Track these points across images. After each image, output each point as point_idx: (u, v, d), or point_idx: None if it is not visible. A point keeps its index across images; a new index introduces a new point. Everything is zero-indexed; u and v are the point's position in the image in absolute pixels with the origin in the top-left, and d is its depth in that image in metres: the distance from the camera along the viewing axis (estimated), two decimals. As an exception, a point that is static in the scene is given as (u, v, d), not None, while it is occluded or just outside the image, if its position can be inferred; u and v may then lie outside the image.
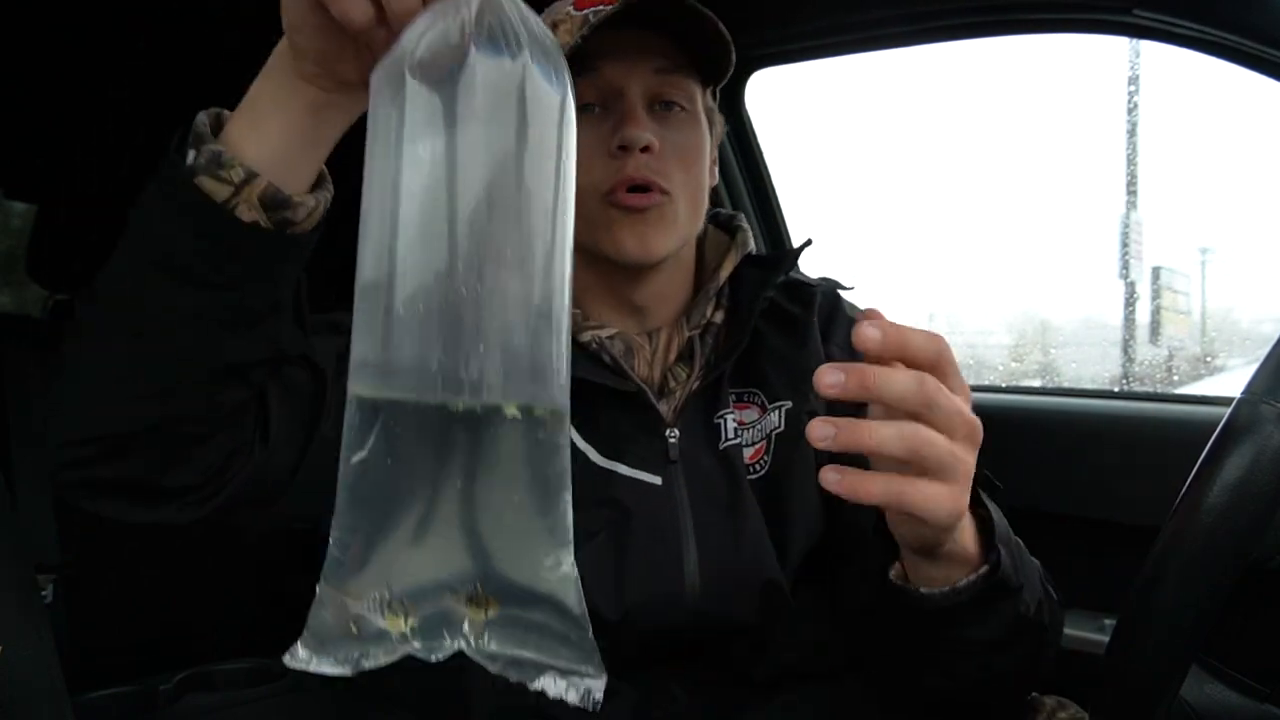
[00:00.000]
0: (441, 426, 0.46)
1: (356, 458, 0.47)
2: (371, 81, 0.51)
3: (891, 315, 0.56)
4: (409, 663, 0.51)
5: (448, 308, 0.47)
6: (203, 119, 0.67)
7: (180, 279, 0.64)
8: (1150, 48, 1.84)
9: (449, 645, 0.48)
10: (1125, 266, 3.09)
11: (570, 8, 0.87)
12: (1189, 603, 0.67)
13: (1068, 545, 0.94)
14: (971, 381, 2.16)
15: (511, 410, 0.46)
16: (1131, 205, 3.03)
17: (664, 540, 0.85)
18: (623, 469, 0.87)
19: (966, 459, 0.59)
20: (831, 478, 0.54)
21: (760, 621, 0.86)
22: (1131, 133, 2.93)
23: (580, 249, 0.87)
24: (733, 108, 1.70)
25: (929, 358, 0.56)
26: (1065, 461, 1.35)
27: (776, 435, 0.92)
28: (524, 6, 0.50)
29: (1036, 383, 3.32)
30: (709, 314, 0.94)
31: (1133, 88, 2.79)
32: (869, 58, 1.56)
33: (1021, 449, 1.37)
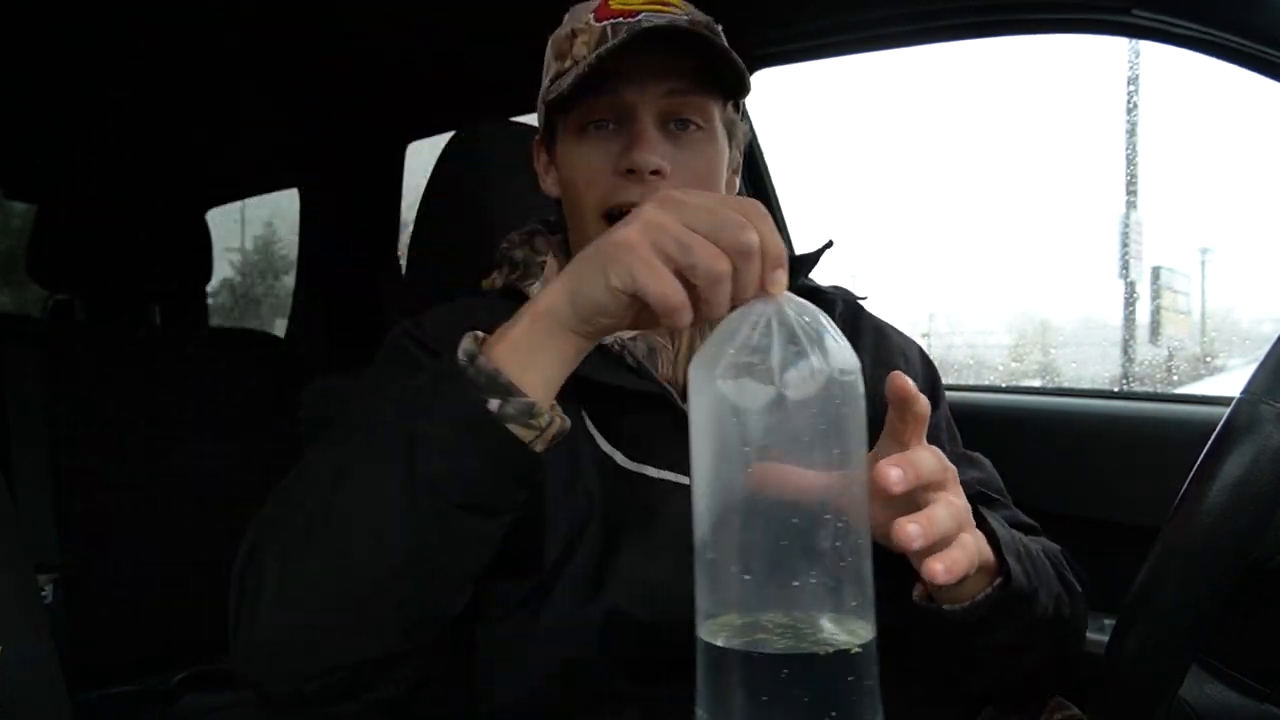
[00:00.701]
0: (778, 669, 0.54)
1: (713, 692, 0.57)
2: (692, 374, 0.58)
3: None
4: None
5: (780, 570, 0.56)
6: (469, 350, 0.67)
7: (473, 509, 0.67)
8: (1150, 48, 1.84)
9: None
10: (1125, 266, 3.09)
11: (590, 17, 0.87)
12: (1189, 603, 0.67)
13: (1068, 545, 0.93)
14: (971, 381, 2.16)
15: (835, 650, 0.55)
16: (1131, 205, 3.02)
17: (690, 545, 0.84)
18: (651, 471, 0.86)
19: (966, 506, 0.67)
20: (938, 568, 0.61)
21: None
22: (1131, 133, 2.93)
23: None
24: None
25: (921, 423, 0.66)
26: (1065, 461, 1.35)
27: None
28: (806, 305, 0.59)
29: (1036, 383, 3.31)
30: None
31: (1133, 88, 2.79)
32: (870, 58, 1.56)
33: (1021, 449, 1.37)
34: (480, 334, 0.69)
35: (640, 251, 0.60)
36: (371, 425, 0.70)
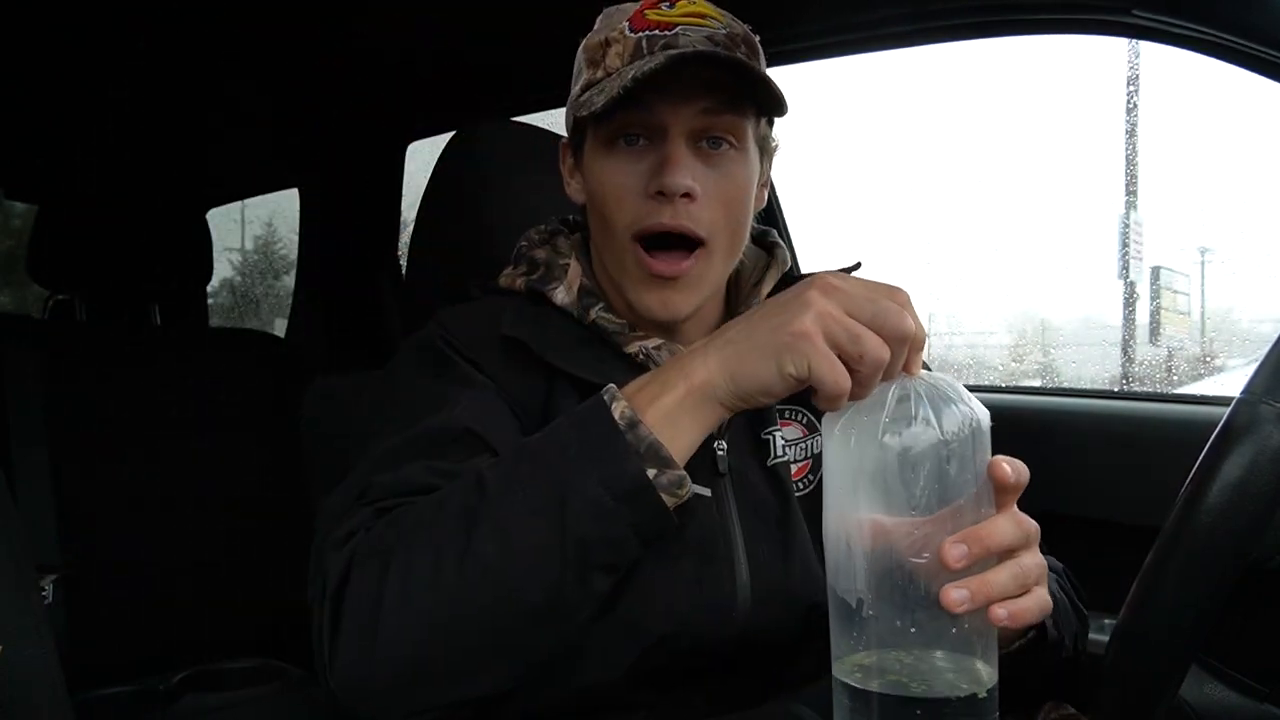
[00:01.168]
0: (910, 711, 0.59)
1: None
2: (829, 427, 0.64)
3: None
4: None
5: (908, 614, 0.61)
6: (628, 416, 0.69)
7: (610, 569, 0.70)
8: (1150, 48, 1.84)
9: None
10: (1125, 266, 3.09)
11: (626, 25, 0.85)
12: (1189, 603, 0.67)
13: (1068, 545, 0.93)
14: (971, 381, 2.17)
15: (964, 695, 0.60)
16: (1131, 205, 3.02)
17: (715, 554, 0.83)
18: None
19: (1043, 564, 0.68)
20: (1001, 614, 0.63)
21: (802, 641, 0.85)
22: (1131, 133, 2.93)
23: (611, 275, 0.89)
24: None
25: (1018, 492, 0.66)
26: (1065, 461, 1.35)
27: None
28: (935, 375, 0.65)
29: (1036, 383, 3.31)
30: None
31: (1133, 88, 2.79)
32: (870, 58, 1.56)
33: (1021, 449, 1.36)
34: (617, 393, 0.70)
35: (816, 342, 0.64)
36: (512, 471, 0.70)
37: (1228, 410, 0.69)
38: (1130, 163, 3.06)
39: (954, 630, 0.62)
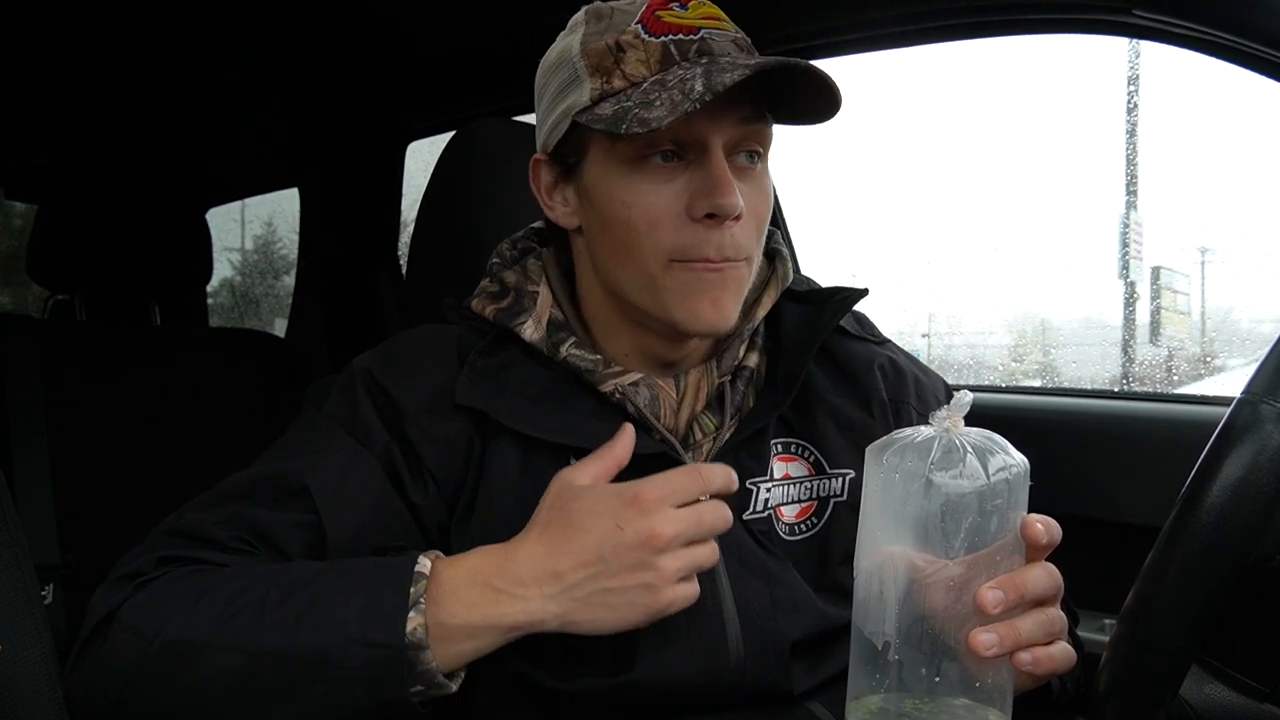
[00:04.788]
0: None
1: None
2: (873, 468, 0.66)
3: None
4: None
5: (934, 661, 0.63)
6: (419, 640, 0.69)
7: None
8: (1150, 48, 1.84)
9: None
10: (1125, 266, 3.09)
11: (640, 30, 0.78)
12: (1189, 603, 0.67)
13: (1068, 545, 0.93)
14: (971, 382, 2.16)
15: None
16: (1131, 205, 3.02)
17: (703, 606, 0.77)
18: None
19: (1064, 619, 0.70)
20: (1026, 659, 0.65)
21: (800, 687, 0.82)
22: (1131, 133, 2.93)
23: (627, 308, 0.83)
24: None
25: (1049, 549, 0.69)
26: (1065, 461, 1.35)
27: (836, 502, 0.87)
28: (980, 431, 0.67)
29: (1036, 383, 3.31)
30: (741, 355, 0.87)
31: (1133, 88, 2.79)
32: (869, 58, 1.56)
33: (1021, 449, 1.36)
34: (423, 592, 0.69)
35: (670, 591, 0.71)
36: (291, 605, 0.70)
37: (1228, 410, 0.69)
38: (1130, 163, 3.05)
39: (976, 681, 0.63)
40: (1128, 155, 3.02)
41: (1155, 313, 3.12)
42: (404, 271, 2.11)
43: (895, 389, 0.92)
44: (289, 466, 0.80)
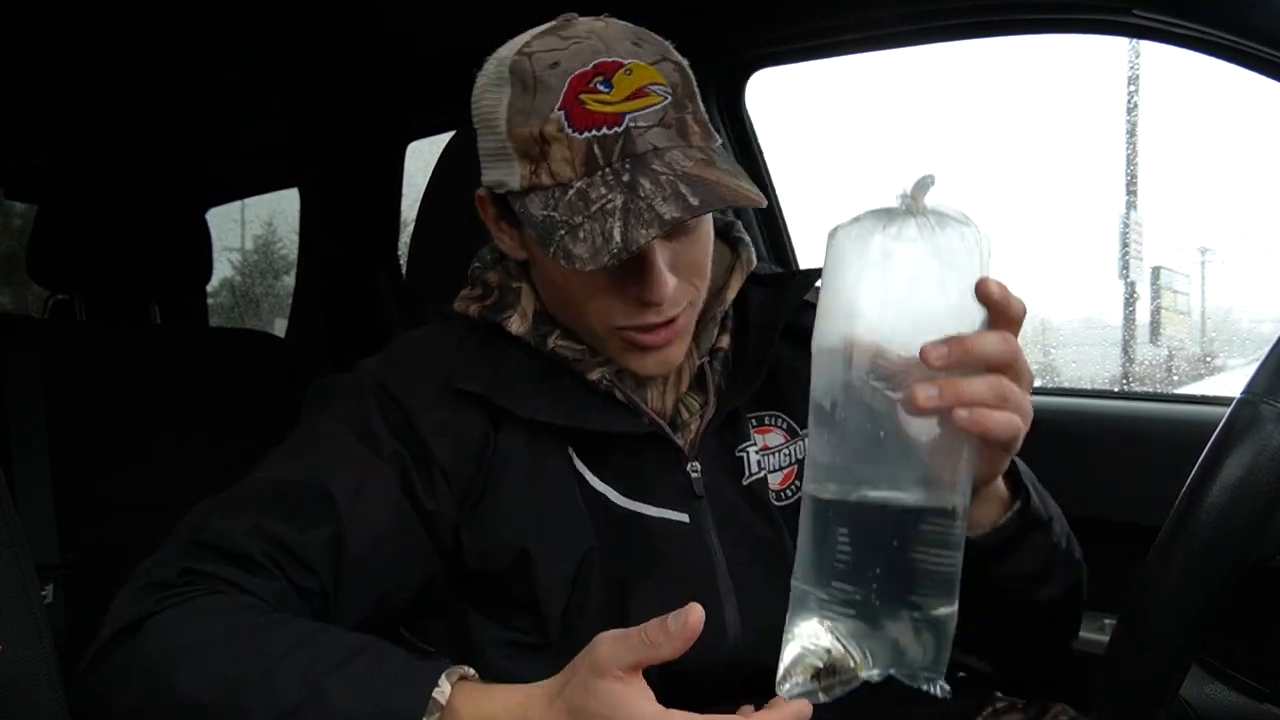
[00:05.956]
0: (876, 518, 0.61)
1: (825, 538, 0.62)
2: (841, 239, 0.63)
3: None
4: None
5: (884, 425, 0.61)
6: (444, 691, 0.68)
7: None
8: (1150, 48, 1.84)
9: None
10: (1125, 266, 3.09)
11: (562, 117, 0.74)
12: (1189, 603, 0.67)
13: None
14: (971, 381, 2.13)
15: (916, 506, 0.61)
16: (1131, 205, 3.02)
17: (700, 587, 0.79)
18: (648, 509, 0.83)
19: (1028, 400, 0.66)
20: (964, 414, 0.60)
21: None
22: (1131, 133, 2.92)
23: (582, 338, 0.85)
24: (733, 109, 1.70)
25: (1015, 323, 0.64)
26: (1065, 461, 1.34)
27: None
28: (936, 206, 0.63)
29: (1037, 383, 3.30)
30: (715, 338, 0.89)
31: (1133, 88, 2.79)
32: (869, 58, 1.56)
33: (1021, 449, 1.37)
34: (450, 693, 0.68)
35: None
36: (314, 685, 0.68)
37: (1228, 410, 0.69)
38: (1130, 162, 3.05)
39: (925, 440, 0.61)
40: (1128, 155, 3.02)
41: (1155, 313, 3.12)
42: (404, 271, 2.11)
43: None
44: (309, 475, 0.81)
